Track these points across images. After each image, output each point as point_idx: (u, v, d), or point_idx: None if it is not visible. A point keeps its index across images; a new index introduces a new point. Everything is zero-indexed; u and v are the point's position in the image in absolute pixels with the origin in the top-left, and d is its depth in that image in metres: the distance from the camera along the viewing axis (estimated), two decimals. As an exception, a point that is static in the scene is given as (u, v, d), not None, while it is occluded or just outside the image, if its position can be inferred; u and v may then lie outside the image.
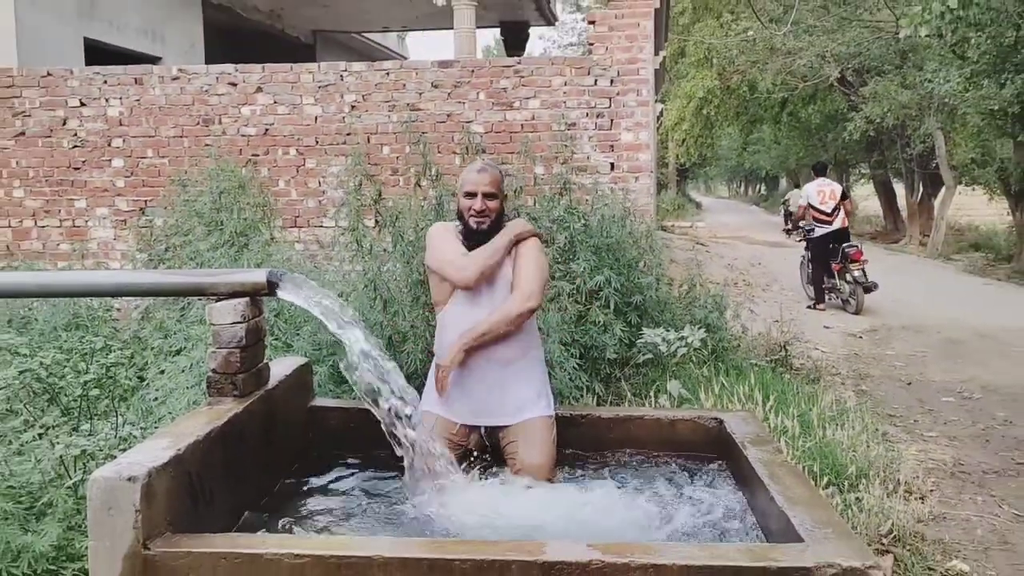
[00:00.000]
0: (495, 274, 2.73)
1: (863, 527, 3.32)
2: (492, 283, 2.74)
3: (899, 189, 21.14)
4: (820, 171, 9.97)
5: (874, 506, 3.44)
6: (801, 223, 9.89)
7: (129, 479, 1.86)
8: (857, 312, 8.85)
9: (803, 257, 10.01)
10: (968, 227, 18.82)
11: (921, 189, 18.24)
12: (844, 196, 9.42)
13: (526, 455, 2.68)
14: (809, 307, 9.26)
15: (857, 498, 3.53)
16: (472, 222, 2.74)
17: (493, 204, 2.74)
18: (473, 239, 2.75)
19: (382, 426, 2.51)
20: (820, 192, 9.29)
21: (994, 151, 13.85)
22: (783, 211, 11.66)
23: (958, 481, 4.17)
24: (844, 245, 9.02)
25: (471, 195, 2.74)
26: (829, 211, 9.17)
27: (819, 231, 9.24)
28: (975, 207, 19.48)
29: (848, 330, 8.06)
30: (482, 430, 2.78)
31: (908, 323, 8.44)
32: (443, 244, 2.78)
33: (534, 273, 2.73)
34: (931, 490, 3.96)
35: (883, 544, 3.28)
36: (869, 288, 8.92)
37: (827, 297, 9.39)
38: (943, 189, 15.83)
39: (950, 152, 15.00)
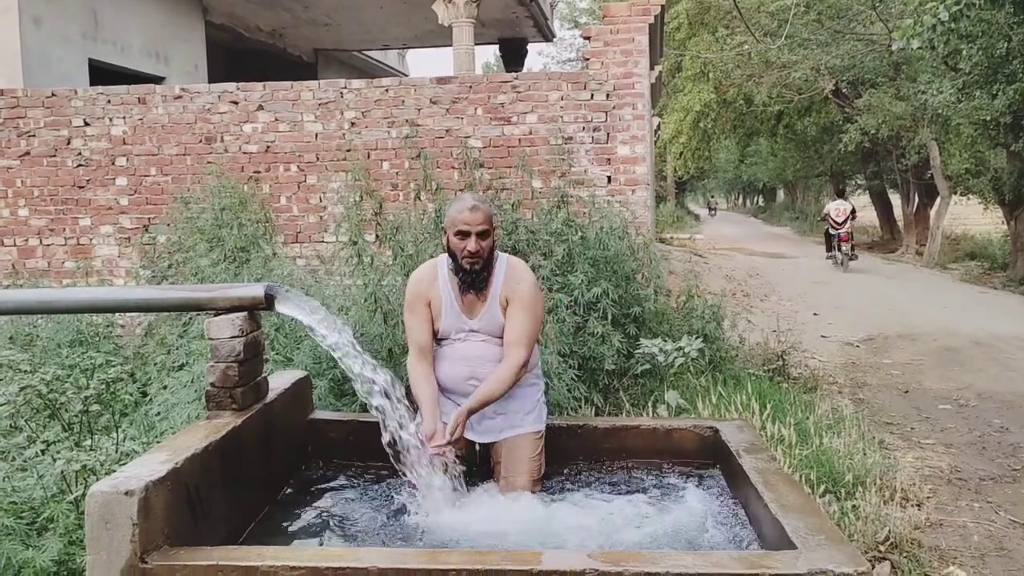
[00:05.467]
0: (493, 319, 2.71)
1: (860, 534, 3.30)
2: (491, 315, 2.70)
3: (895, 199, 21.19)
4: (840, 194, 15.98)
5: (871, 513, 3.43)
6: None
7: (126, 493, 1.86)
8: (846, 271, 14.01)
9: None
10: (964, 236, 18.77)
11: (917, 199, 18.23)
12: (853, 213, 14.59)
13: (509, 475, 2.68)
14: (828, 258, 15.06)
15: (854, 505, 3.52)
16: (465, 263, 2.60)
17: (486, 243, 2.61)
18: (467, 280, 2.64)
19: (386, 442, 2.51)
20: (837, 210, 14.68)
21: (988, 161, 13.86)
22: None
23: (955, 488, 4.16)
24: (837, 232, 14.55)
25: (464, 235, 2.58)
26: (840, 221, 14.55)
27: (830, 231, 14.88)
28: (970, 216, 19.47)
29: (846, 339, 8.05)
30: (476, 446, 2.76)
31: (905, 332, 8.42)
32: (410, 324, 2.74)
33: (525, 326, 2.65)
34: (928, 497, 3.95)
35: (880, 551, 3.27)
36: (853, 257, 14.47)
37: (828, 258, 15.00)
38: (938, 199, 15.84)
39: (944, 162, 14.99)
